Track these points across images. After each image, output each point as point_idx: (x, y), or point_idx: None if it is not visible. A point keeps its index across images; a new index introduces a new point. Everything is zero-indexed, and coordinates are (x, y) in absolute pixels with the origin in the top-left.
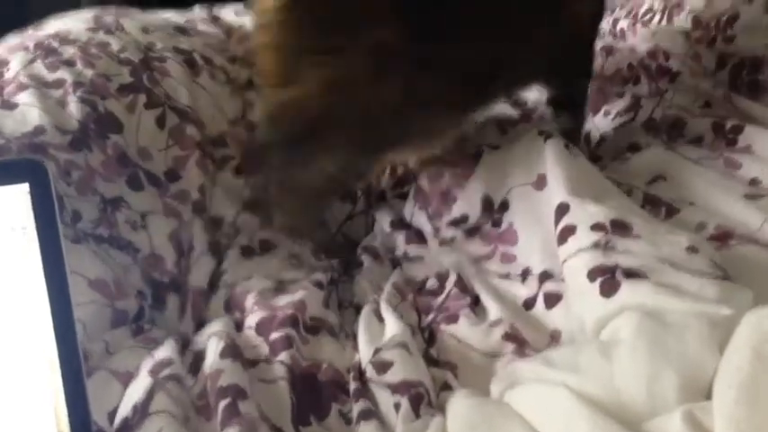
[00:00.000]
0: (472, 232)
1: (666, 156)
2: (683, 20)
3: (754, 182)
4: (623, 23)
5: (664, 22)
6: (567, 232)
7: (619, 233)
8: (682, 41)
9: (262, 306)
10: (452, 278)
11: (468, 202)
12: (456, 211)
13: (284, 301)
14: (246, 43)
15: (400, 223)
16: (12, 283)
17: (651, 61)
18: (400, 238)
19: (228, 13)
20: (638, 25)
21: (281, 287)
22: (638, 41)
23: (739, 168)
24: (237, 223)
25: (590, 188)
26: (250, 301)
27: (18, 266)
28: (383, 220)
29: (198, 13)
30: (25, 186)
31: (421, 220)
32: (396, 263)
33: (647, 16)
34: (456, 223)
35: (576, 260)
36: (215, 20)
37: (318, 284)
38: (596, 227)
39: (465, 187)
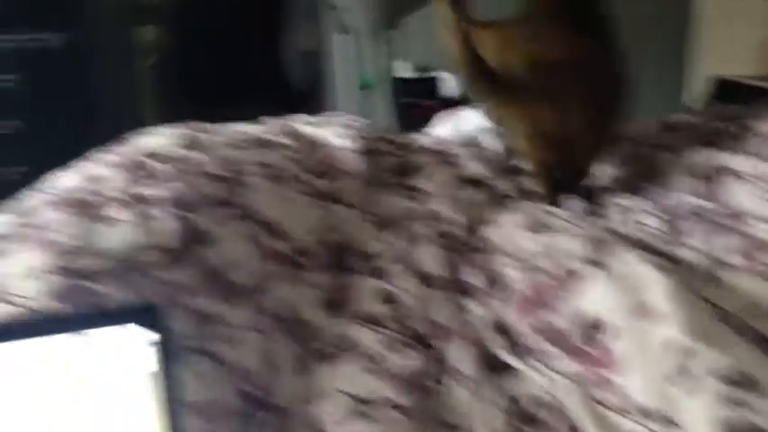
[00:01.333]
0: (565, 347)
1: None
2: None
3: None
4: None
5: None
6: (685, 375)
7: (747, 388)
8: None
9: None
10: (557, 413)
11: (561, 313)
12: (545, 316)
13: None
14: (323, 154)
15: (495, 323)
16: (128, 421)
17: None
18: (497, 340)
19: (302, 125)
20: None
21: (359, 410)
22: None
23: None
24: (318, 323)
25: (708, 331)
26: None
27: (136, 404)
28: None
29: (274, 125)
30: (146, 329)
31: (511, 318)
32: (491, 361)
33: None
34: (544, 332)
35: (700, 409)
36: (291, 132)
37: (404, 410)
38: (721, 377)
39: (560, 296)
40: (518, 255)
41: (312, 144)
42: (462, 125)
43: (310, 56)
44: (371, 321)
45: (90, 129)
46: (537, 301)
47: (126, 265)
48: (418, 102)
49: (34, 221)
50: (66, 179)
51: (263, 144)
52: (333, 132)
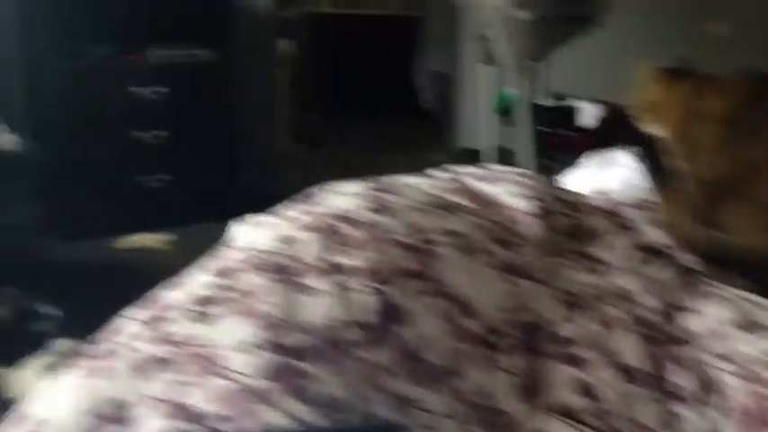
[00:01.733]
0: None
1: None
2: None
3: None
4: None
5: None
6: None
7: None
8: None
9: None
10: None
11: None
12: None
13: None
14: (501, 217)
15: None
16: None
17: None
18: None
19: (473, 181)
20: None
21: None
22: None
23: None
24: (514, 414)
25: None
26: None
27: None
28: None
29: (448, 181)
30: None
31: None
32: None
33: None
34: None
35: None
36: (466, 191)
37: None
38: None
39: None
40: (734, 359)
41: (489, 205)
42: (617, 172)
43: (443, 78)
44: (570, 416)
45: (232, 139)
46: (763, 417)
47: (329, 343)
48: (555, 130)
49: (237, 285)
50: (259, 238)
51: (445, 207)
52: (506, 191)
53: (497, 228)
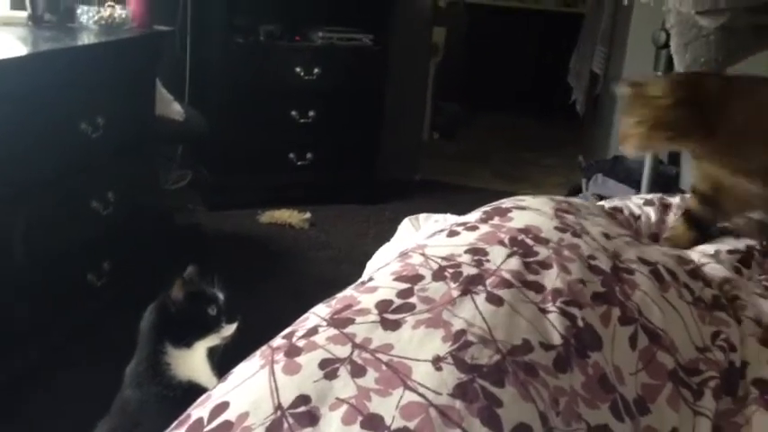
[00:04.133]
0: None
1: None
2: None
3: None
4: None
5: None
6: None
7: None
8: None
9: None
10: None
11: None
12: None
13: None
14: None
15: None
16: None
17: None
18: None
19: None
20: None
21: None
22: None
23: None
24: None
25: None
26: None
27: None
28: None
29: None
30: None
31: None
32: None
33: None
34: None
35: None
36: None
37: None
38: None
39: None
40: None
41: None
42: None
43: (599, 80)
44: None
45: (376, 124)
46: None
47: (519, 365)
48: None
49: (425, 294)
50: (447, 245)
51: (633, 234)
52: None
53: (686, 258)
